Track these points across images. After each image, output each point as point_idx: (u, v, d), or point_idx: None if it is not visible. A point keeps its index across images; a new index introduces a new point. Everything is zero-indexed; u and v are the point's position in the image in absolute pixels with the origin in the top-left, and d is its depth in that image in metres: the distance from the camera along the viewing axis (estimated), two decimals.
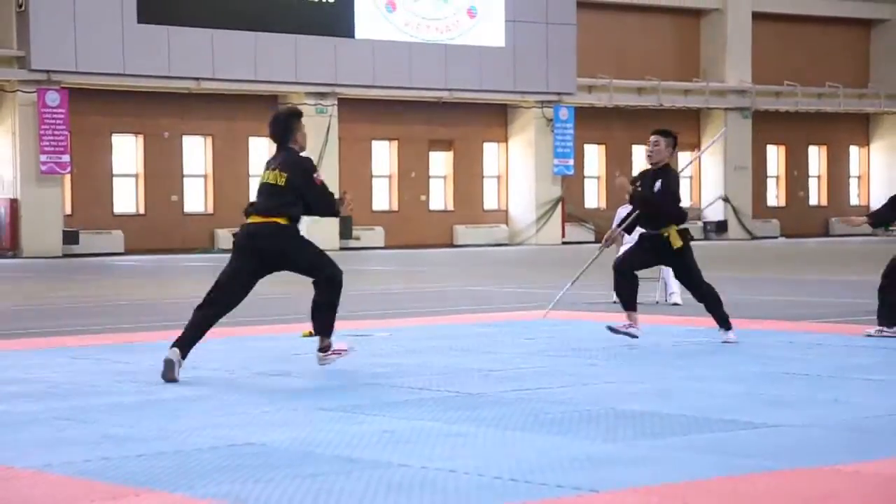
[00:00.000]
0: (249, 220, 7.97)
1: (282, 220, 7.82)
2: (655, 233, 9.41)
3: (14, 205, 29.16)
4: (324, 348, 7.98)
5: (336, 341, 8.01)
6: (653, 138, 9.52)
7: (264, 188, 8.00)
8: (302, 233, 8.06)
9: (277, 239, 7.82)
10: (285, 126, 8.05)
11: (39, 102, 28.91)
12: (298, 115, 8.18)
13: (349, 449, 5.45)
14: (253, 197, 27.81)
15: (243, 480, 4.84)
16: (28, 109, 29.01)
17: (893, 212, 9.83)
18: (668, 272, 13.29)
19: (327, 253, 8.09)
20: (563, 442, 5.58)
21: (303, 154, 8.14)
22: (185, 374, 7.85)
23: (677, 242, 9.32)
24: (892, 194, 9.99)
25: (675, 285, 13.33)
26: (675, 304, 13.19)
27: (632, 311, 9.37)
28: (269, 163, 8.14)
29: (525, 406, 6.58)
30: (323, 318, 7.93)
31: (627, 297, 9.43)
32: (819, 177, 42.37)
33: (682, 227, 9.42)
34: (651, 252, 9.49)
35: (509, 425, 6.01)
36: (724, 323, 9.47)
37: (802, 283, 17.88)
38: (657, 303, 13.44)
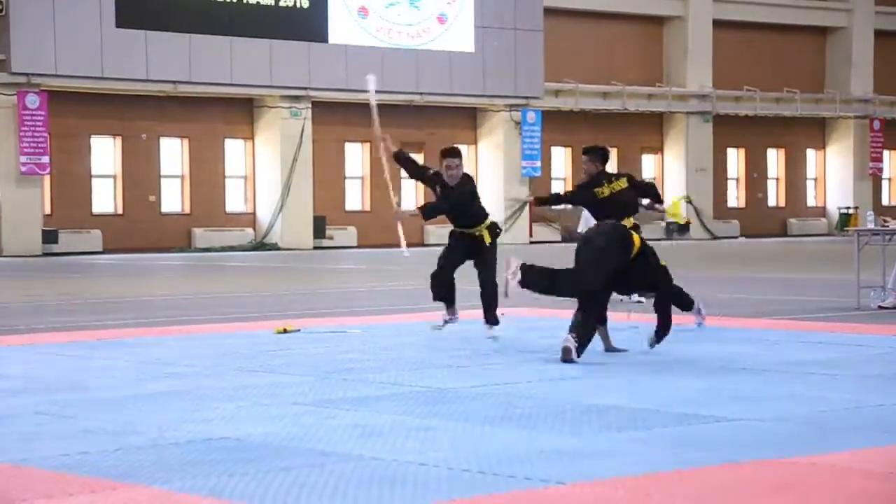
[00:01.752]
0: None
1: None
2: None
3: None
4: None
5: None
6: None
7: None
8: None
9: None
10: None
11: (19, 105, 29.27)
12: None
13: (322, 443, 5.50)
14: (229, 196, 28.47)
15: (219, 474, 4.86)
16: (8, 111, 29.38)
17: (562, 200, 10.82)
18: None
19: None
20: (531, 435, 5.64)
21: None
22: (161, 370, 8.09)
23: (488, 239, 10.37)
24: (580, 182, 10.77)
25: None
26: (639, 302, 13.42)
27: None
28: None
29: (494, 401, 6.64)
30: None
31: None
32: (777, 179, 43.27)
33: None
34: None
35: (478, 420, 6.08)
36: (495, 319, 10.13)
37: (761, 281, 17.97)
38: (621, 300, 13.40)
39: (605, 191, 10.20)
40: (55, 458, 5.22)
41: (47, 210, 30.75)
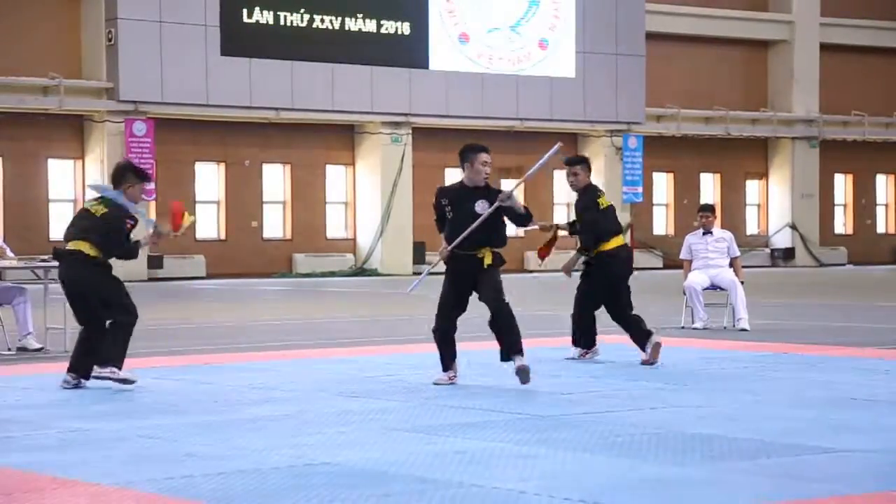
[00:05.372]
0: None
1: None
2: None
3: None
4: None
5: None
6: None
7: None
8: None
9: None
10: None
11: (127, 132, 29.81)
12: None
13: (422, 469, 5.49)
14: (330, 222, 28.63)
15: (319, 499, 4.88)
16: (116, 139, 29.94)
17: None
18: (736, 298, 13.50)
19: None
20: (633, 464, 5.59)
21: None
22: (262, 394, 8.24)
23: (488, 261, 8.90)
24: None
25: (742, 311, 13.43)
26: (743, 330, 13.21)
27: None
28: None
29: (594, 428, 6.60)
30: None
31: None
32: (887, 205, 42.34)
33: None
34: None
35: (579, 447, 6.04)
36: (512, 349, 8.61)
37: (869, 309, 17.66)
38: (725, 328, 13.40)
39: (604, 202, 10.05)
40: (160, 482, 5.28)
41: None
